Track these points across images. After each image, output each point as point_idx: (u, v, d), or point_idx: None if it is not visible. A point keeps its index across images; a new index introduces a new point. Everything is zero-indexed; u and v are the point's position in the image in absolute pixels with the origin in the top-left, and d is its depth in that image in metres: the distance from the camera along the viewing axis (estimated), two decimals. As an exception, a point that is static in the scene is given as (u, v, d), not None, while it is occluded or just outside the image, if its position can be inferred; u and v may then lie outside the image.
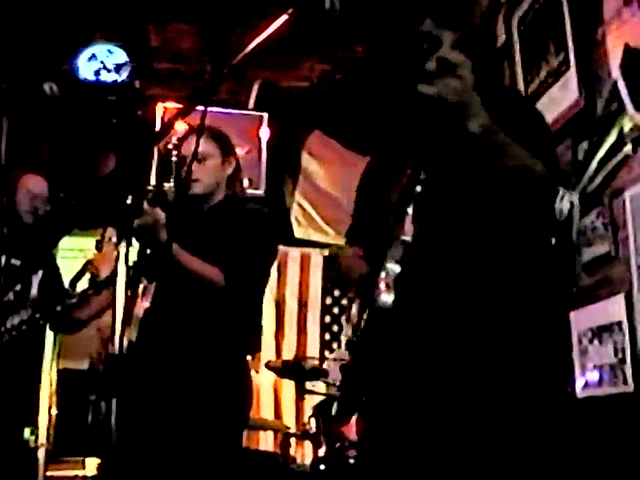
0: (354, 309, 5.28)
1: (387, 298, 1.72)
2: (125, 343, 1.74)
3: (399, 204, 1.79)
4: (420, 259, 1.79)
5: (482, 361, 1.78)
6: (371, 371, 1.89)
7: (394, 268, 1.72)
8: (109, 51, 5.21)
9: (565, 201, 3.16)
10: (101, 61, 5.20)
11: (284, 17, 1.52)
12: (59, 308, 3.55)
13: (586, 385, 3.09)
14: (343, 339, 5.07)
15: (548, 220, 1.94)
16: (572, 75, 3.30)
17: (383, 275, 1.73)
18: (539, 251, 1.85)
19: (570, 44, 3.32)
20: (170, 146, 2.81)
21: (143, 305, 2.96)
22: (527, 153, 1.74)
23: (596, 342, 3.08)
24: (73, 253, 4.69)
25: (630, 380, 2.98)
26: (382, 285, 1.72)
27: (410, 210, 1.77)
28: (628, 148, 3.01)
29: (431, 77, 1.58)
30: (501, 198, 1.78)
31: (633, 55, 2.95)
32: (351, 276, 2.00)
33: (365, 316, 1.83)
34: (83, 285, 3.59)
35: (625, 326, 2.99)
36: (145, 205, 2.65)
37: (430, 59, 1.58)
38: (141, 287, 2.97)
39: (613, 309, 3.02)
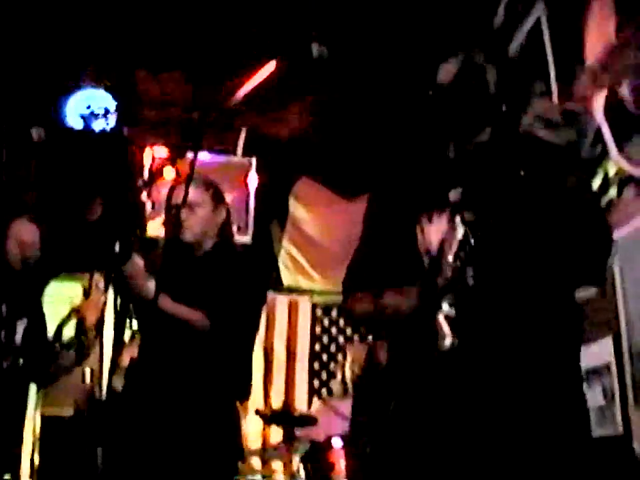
0: (350, 357, 5.13)
1: (451, 341, 1.73)
2: (111, 392, 1.71)
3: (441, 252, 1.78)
4: (482, 303, 1.78)
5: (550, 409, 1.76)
6: (438, 416, 1.83)
7: (450, 312, 1.74)
8: (97, 97, 5.24)
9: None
10: (88, 107, 5.22)
11: (271, 65, 1.53)
12: (40, 360, 3.50)
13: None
14: (333, 385, 5.04)
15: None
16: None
17: (440, 318, 1.74)
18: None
19: (554, 87, 3.37)
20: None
21: (128, 353, 2.94)
22: None
23: (584, 385, 3.07)
24: (60, 299, 4.65)
25: (619, 421, 2.97)
26: (445, 328, 1.73)
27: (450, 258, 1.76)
28: (613, 192, 3.04)
29: (555, 126, 1.62)
30: (557, 243, 1.78)
31: (616, 98, 2.98)
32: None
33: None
34: (69, 331, 3.55)
35: (614, 368, 2.99)
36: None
37: (550, 107, 1.65)
38: (127, 335, 2.94)
39: (601, 351, 3.02)
